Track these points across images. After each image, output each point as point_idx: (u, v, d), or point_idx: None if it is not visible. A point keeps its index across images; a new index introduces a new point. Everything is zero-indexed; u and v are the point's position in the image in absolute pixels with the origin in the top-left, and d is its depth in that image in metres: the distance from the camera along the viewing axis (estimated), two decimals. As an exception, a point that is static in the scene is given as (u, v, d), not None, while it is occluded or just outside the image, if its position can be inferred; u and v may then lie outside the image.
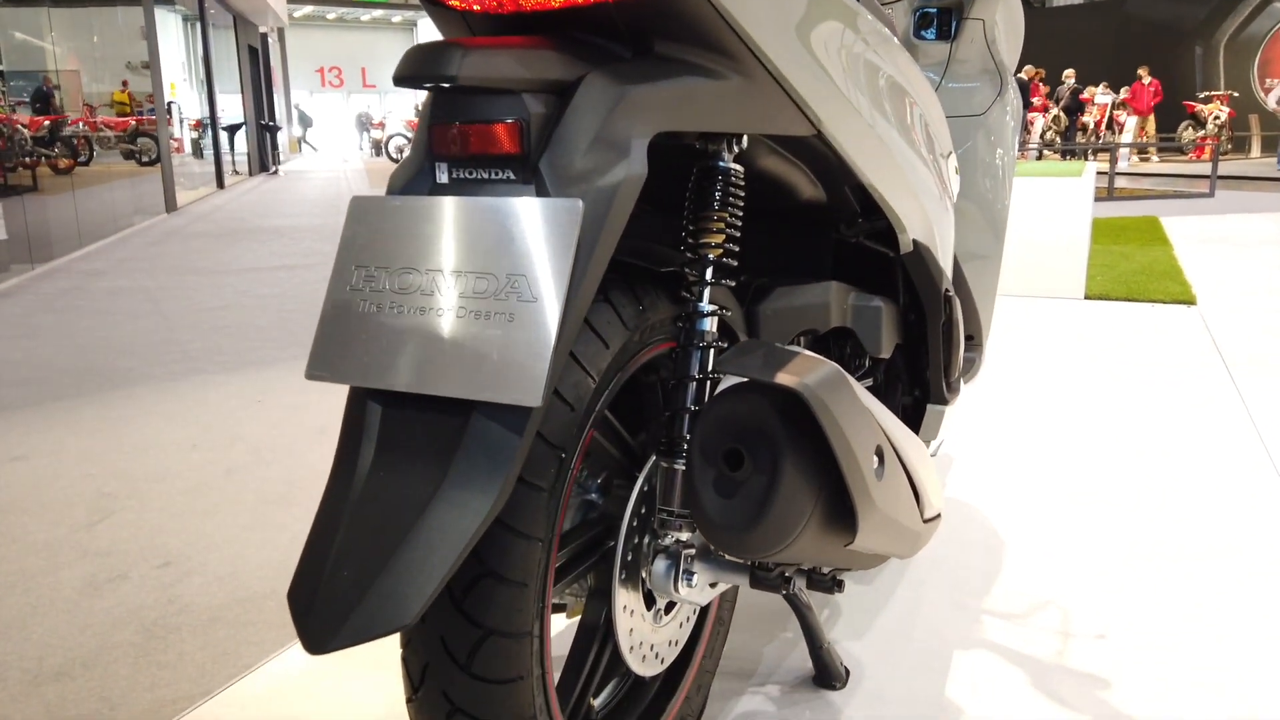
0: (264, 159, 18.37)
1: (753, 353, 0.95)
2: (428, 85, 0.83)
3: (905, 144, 1.39)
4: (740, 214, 1.13)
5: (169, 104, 11.78)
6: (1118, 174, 11.87)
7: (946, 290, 1.64)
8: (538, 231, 0.81)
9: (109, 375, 3.83)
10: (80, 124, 8.71)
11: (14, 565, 2.13)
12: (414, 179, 0.89)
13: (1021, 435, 2.97)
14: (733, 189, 1.12)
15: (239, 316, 4.90)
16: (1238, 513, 2.31)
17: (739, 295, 1.31)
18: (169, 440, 3.01)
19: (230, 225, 9.36)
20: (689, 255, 1.10)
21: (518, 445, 0.78)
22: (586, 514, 1.11)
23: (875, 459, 1.02)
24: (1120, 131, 16.24)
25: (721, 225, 1.10)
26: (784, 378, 0.88)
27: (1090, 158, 13.79)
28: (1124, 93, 16.53)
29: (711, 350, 1.08)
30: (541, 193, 0.83)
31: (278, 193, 13.72)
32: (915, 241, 1.50)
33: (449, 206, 0.84)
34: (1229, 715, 1.50)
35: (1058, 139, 15.84)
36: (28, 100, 7.64)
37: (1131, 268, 5.77)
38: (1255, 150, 17.18)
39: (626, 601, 1.08)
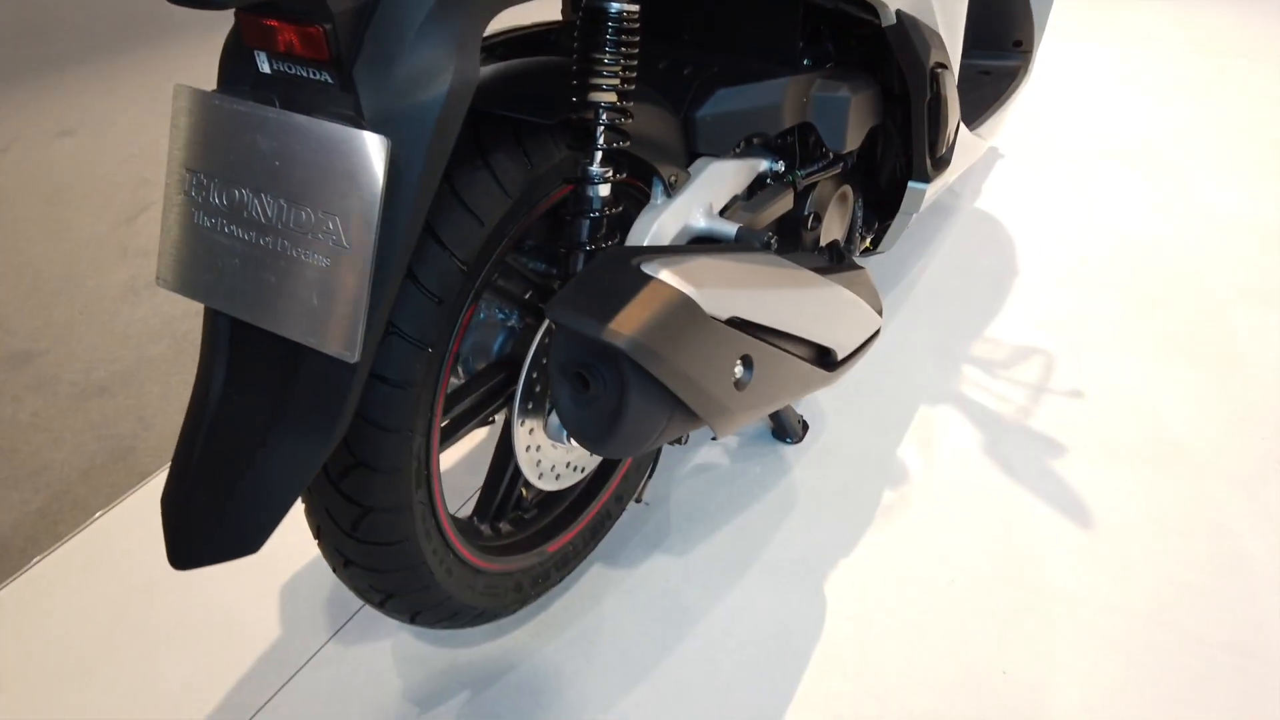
0: None
1: (585, 290, 0.84)
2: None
3: None
4: (634, 62, 0.95)
5: None
6: None
7: (935, 66, 1.39)
8: (346, 168, 0.70)
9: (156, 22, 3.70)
10: None
11: (63, 269, 2.25)
12: (238, 65, 0.76)
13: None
14: (625, 33, 0.93)
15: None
16: None
17: (677, 93, 1.14)
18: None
19: None
20: (577, 105, 0.95)
21: (346, 394, 0.75)
22: (501, 350, 1.09)
23: (739, 367, 0.95)
24: None
25: (613, 75, 0.93)
26: (607, 331, 0.80)
27: None
28: None
29: (605, 216, 0.98)
30: (358, 107, 0.71)
31: None
32: (899, 13, 1.25)
33: (267, 120, 0.73)
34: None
35: None
36: None
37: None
38: None
39: (530, 427, 1.09)
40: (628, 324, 0.80)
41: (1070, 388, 1.75)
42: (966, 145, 1.74)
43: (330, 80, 0.72)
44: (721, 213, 1.20)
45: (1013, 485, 1.52)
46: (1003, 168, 2.68)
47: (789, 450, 1.61)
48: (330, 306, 0.73)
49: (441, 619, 1.06)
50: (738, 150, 1.20)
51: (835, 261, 1.22)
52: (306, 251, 0.73)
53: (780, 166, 1.29)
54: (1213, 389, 1.74)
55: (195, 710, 1.18)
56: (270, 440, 0.77)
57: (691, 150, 1.15)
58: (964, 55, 2.20)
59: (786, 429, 1.61)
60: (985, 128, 1.90)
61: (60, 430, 1.72)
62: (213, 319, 0.82)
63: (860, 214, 1.54)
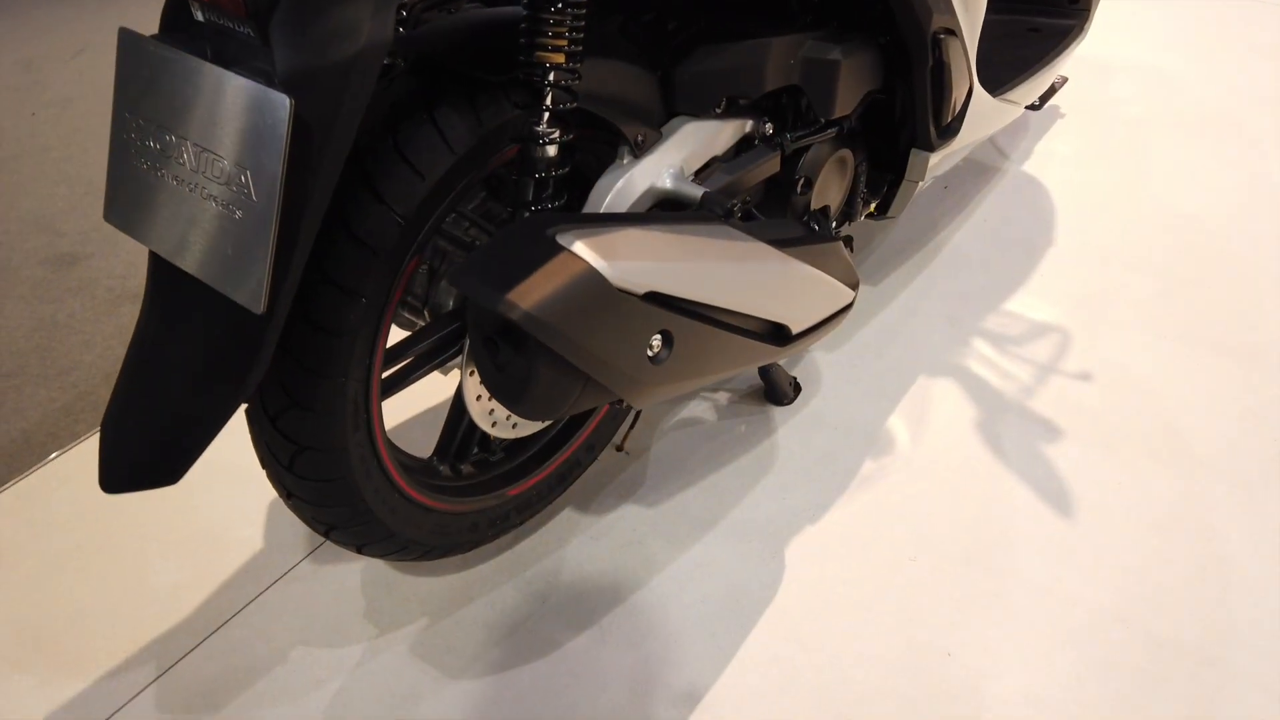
0: None
1: (492, 257, 0.82)
2: None
3: None
4: (582, 22, 0.91)
5: None
6: None
7: (938, 31, 1.31)
8: (255, 124, 0.71)
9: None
10: None
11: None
12: (179, 13, 0.77)
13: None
14: None
15: None
16: None
17: (657, 49, 1.10)
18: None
19: None
20: (524, 65, 0.92)
21: (259, 345, 0.77)
22: (456, 300, 1.10)
23: (657, 341, 0.93)
24: None
25: (560, 36, 0.90)
26: (503, 302, 0.78)
27: None
28: None
29: (550, 178, 0.96)
30: (273, 64, 0.71)
31: None
32: None
33: (192, 70, 0.74)
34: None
35: None
36: None
37: None
38: None
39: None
40: (527, 296, 0.79)
41: (1080, 370, 1.68)
42: (988, 111, 1.65)
43: (253, 35, 0.72)
44: (698, 174, 1.17)
45: (998, 466, 1.48)
46: (1061, 128, 2.54)
47: (778, 411, 1.59)
48: (241, 257, 0.74)
49: (389, 552, 1.10)
50: (719, 110, 1.16)
51: (812, 231, 1.18)
52: (224, 202, 0.75)
53: (768, 128, 1.25)
54: (1232, 381, 1.66)
55: (177, 610, 1.26)
56: (194, 380, 0.80)
57: (670, 109, 1.12)
58: (1014, 9, 2.06)
59: (777, 391, 1.60)
60: (1019, 91, 1.79)
61: (92, 333, 1.81)
62: (154, 256, 0.85)
63: (864, 177, 1.48)
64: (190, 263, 0.78)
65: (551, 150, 0.95)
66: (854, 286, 1.23)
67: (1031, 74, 1.80)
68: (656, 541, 1.36)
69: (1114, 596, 1.28)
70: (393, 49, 0.97)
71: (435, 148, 0.89)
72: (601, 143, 1.09)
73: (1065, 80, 2.41)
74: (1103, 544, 1.36)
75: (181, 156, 0.76)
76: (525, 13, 0.90)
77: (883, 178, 1.54)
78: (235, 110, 0.72)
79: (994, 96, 1.64)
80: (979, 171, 2.33)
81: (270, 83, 0.70)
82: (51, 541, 1.36)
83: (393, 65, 0.94)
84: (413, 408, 1.59)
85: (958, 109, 1.48)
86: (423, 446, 1.28)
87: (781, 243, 1.07)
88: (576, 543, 1.36)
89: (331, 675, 1.18)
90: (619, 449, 1.51)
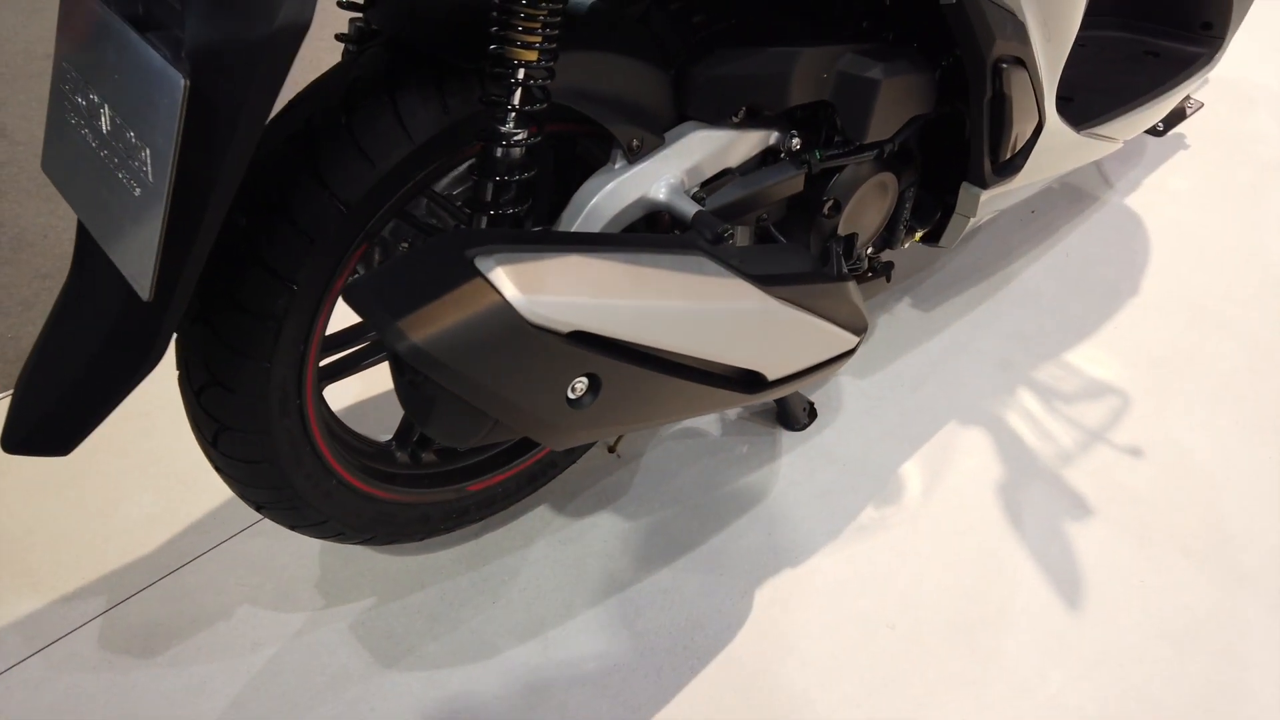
0: None
1: (396, 275, 0.74)
2: None
3: None
4: (555, 24, 0.81)
5: None
6: None
7: (1000, 60, 1.13)
8: (153, 100, 0.64)
9: None
10: None
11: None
12: None
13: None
14: None
15: None
16: None
17: (674, 45, 0.99)
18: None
19: None
20: (493, 58, 0.83)
21: (156, 330, 0.72)
22: None
23: (581, 385, 0.83)
24: None
25: (533, 33, 0.81)
26: (391, 329, 0.70)
27: None
28: None
29: (513, 181, 0.87)
30: (186, 37, 0.64)
31: None
32: None
33: (113, 30, 0.68)
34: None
35: None
36: None
37: None
38: None
39: None
40: (420, 327, 0.71)
41: (1131, 443, 1.51)
42: (1066, 147, 1.46)
43: (177, 4, 0.65)
44: (709, 183, 1.06)
45: (1010, 537, 1.35)
46: (1181, 161, 2.29)
47: (787, 436, 1.49)
48: (135, 237, 0.69)
49: (325, 535, 1.06)
50: (736, 119, 1.04)
51: (818, 266, 1.06)
52: (127, 176, 0.69)
53: (795, 143, 1.12)
54: (1306, 486, 1.46)
55: (142, 543, 1.26)
56: (97, 354, 0.76)
57: (681, 112, 1.01)
58: (1135, 27, 1.81)
59: (789, 415, 1.49)
60: (1115, 125, 1.57)
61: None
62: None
63: (910, 203, 1.34)
64: (98, 231, 0.74)
65: (516, 153, 0.86)
66: (859, 331, 1.11)
67: (1132, 108, 1.59)
68: (625, 558, 1.29)
69: (1102, 709, 1.15)
70: (364, 21, 0.89)
71: (392, 134, 0.82)
72: (598, 138, 0.99)
73: (1199, 106, 2.15)
74: (1105, 645, 1.22)
75: (100, 119, 0.71)
76: (496, 8, 0.80)
77: (935, 203, 1.39)
78: (139, 81, 0.66)
79: (1078, 131, 1.45)
80: (1074, 198, 2.11)
81: (177, 56, 0.64)
82: (35, 464, 1.38)
83: (363, 37, 0.87)
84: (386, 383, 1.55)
85: (1019, 145, 1.31)
86: (390, 428, 1.24)
87: (771, 279, 0.96)
88: (543, 544, 1.30)
89: (269, 640, 1.16)
90: (611, 450, 1.44)
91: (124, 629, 1.16)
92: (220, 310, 0.83)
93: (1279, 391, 1.63)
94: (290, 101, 0.86)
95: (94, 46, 0.71)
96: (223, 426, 0.89)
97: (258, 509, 1.00)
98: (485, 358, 0.74)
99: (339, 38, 0.94)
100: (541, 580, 1.25)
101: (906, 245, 1.42)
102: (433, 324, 0.71)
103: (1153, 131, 2.33)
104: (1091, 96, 1.57)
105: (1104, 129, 1.52)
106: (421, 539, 1.19)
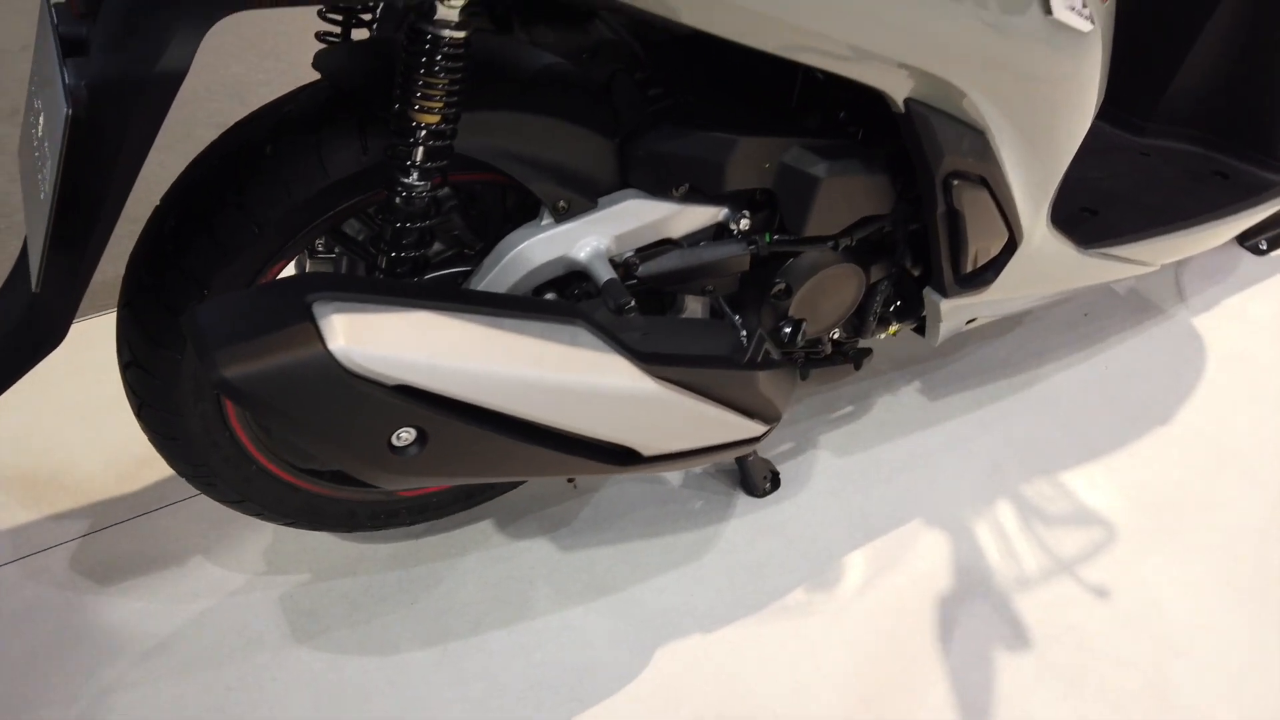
0: None
1: (233, 306, 0.77)
2: None
3: None
4: (455, 91, 0.84)
5: None
6: None
7: (952, 175, 1.07)
8: (53, 119, 0.72)
9: None
10: None
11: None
12: None
13: None
14: (449, 59, 0.83)
15: None
16: None
17: (626, 114, 1.00)
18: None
19: None
20: (396, 116, 0.87)
21: (53, 317, 0.81)
22: None
23: (408, 435, 0.86)
24: None
25: (434, 99, 0.84)
26: (207, 359, 0.73)
27: None
28: None
29: (407, 229, 0.92)
30: (91, 67, 0.72)
31: None
32: (909, 102, 0.98)
33: (49, 51, 0.77)
34: None
35: None
36: None
37: None
38: None
39: None
40: (236, 360, 0.74)
41: (1100, 585, 1.43)
42: (1065, 265, 1.36)
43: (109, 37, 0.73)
44: (645, 251, 1.07)
45: (934, 654, 1.31)
46: (1273, 288, 2.10)
47: (743, 500, 1.49)
48: (36, 235, 0.79)
49: (249, 514, 1.15)
50: (678, 193, 1.05)
51: (730, 352, 1.04)
52: (42, 180, 0.78)
53: (743, 223, 1.11)
54: (1273, 675, 1.35)
55: (130, 479, 1.40)
56: (11, 331, 0.86)
57: (624, 179, 1.03)
58: (1208, 143, 1.66)
59: (750, 480, 1.49)
60: (1151, 247, 1.44)
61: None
62: None
63: (884, 295, 1.29)
64: (26, 220, 0.84)
65: (416, 203, 0.91)
66: (769, 420, 1.09)
67: (1169, 233, 1.45)
68: (546, 588, 1.34)
69: None
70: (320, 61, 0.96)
71: (310, 167, 0.89)
72: (529, 192, 1.02)
73: None
74: (992, 790, 1.18)
75: (38, 124, 0.81)
76: (399, 71, 0.85)
77: (915, 300, 1.34)
78: (52, 100, 0.74)
79: (1084, 250, 1.35)
80: (1137, 306, 1.98)
81: (77, 84, 0.71)
82: (46, 400, 1.54)
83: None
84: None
85: (983, 260, 1.24)
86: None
87: (662, 358, 0.96)
88: (475, 558, 1.36)
89: (207, 593, 1.27)
90: (570, 480, 1.48)
91: (93, 554, 1.30)
92: (142, 300, 0.94)
93: (1290, 561, 1.50)
94: (238, 122, 0.94)
95: (41, 59, 0.80)
96: (143, 403, 0.99)
97: (181, 476, 1.10)
98: (297, 399, 0.78)
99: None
100: (461, 593, 1.32)
101: (883, 336, 1.38)
102: (249, 360, 0.75)
103: (1253, 249, 2.15)
104: (1123, 212, 1.46)
105: (1125, 250, 1.41)
106: (348, 532, 1.27)
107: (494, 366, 0.86)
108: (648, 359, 0.95)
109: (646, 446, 1.02)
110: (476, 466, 0.93)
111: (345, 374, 0.79)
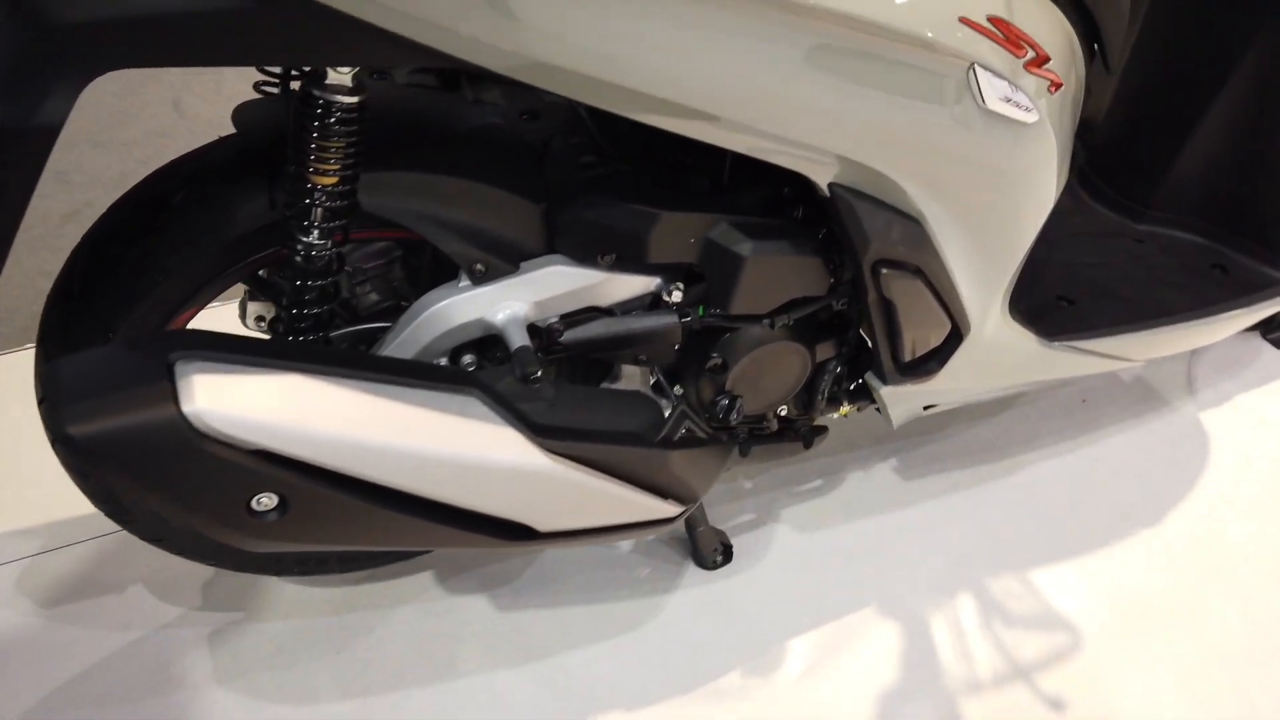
0: None
1: (90, 359, 0.76)
2: None
3: None
4: (352, 153, 0.84)
5: None
6: None
7: (880, 263, 1.02)
8: None
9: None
10: None
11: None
12: None
13: None
14: (342, 124, 0.83)
15: None
16: None
17: (555, 179, 1.00)
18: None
19: None
20: (292, 187, 0.87)
21: None
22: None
23: (268, 500, 0.83)
24: None
25: (329, 161, 0.84)
26: (54, 411, 0.71)
27: None
28: None
29: (305, 286, 0.92)
30: None
31: None
32: (834, 186, 0.94)
33: None
34: None
35: None
36: None
37: None
38: None
39: None
40: (83, 416, 0.72)
41: (1057, 693, 1.35)
42: (1027, 358, 1.29)
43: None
44: (571, 317, 1.05)
45: (865, 755, 1.25)
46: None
47: (693, 573, 1.45)
48: None
49: (171, 552, 1.16)
50: (605, 261, 1.03)
51: (644, 431, 1.01)
52: None
53: (676, 295, 1.08)
54: (1246, 810, 1.25)
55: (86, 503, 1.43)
56: None
57: (550, 244, 1.02)
58: (1209, 235, 1.56)
59: (701, 551, 1.45)
60: (1131, 342, 1.35)
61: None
62: None
63: (832, 375, 1.24)
64: None
65: (315, 260, 0.91)
66: (684, 500, 1.05)
67: (1151, 328, 1.36)
68: (476, 647, 1.32)
69: None
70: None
71: (217, 218, 0.90)
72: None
73: None
74: None
75: None
76: (290, 135, 0.85)
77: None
78: None
79: (1049, 342, 1.28)
80: (1141, 396, 1.88)
81: None
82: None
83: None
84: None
85: (922, 350, 1.18)
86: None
87: (562, 433, 0.93)
88: (408, 610, 1.35)
89: (138, 624, 1.29)
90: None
91: (41, 575, 1.33)
92: (52, 339, 0.95)
93: (1261, 692, 1.40)
94: (156, 170, 0.96)
95: None
96: (55, 439, 1.00)
97: (101, 512, 1.10)
98: (143, 461, 0.76)
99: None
100: (388, 646, 1.30)
101: (836, 417, 1.33)
102: (96, 417, 0.73)
103: (1276, 343, 2.04)
104: (1101, 304, 1.38)
105: (1096, 345, 1.33)
106: (271, 574, 1.27)
107: (365, 434, 0.83)
108: (545, 432, 0.93)
109: (541, 523, 1.00)
110: (345, 535, 0.91)
111: (197, 435, 0.77)
